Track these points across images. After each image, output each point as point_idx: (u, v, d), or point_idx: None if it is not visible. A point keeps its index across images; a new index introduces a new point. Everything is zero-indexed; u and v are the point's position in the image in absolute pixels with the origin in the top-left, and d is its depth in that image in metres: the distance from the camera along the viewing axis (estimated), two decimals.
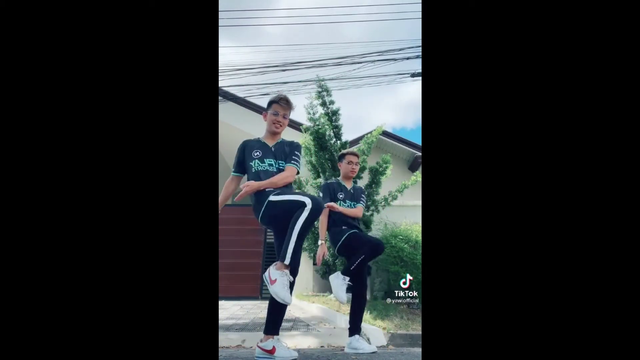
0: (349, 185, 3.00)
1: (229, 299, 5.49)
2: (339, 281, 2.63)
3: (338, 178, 3.07)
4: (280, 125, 2.29)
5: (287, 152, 2.29)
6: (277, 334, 2.16)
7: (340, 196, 2.92)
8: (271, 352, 2.09)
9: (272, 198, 2.08)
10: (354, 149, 5.91)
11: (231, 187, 2.34)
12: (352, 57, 7.06)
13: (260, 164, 2.23)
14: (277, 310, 2.16)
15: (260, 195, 2.14)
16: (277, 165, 2.25)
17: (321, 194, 2.90)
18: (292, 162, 2.26)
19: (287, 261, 1.92)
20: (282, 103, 2.28)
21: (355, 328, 2.71)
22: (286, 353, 2.09)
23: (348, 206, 2.89)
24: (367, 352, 2.55)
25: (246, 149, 2.30)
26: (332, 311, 4.47)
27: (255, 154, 2.26)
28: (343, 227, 2.83)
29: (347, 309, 4.55)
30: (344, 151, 3.05)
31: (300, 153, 2.32)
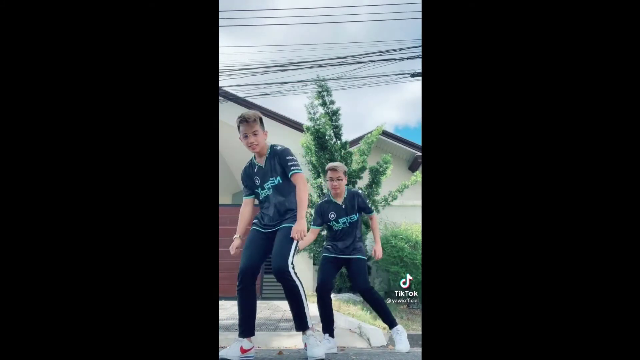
0: (339, 199, 2.85)
1: (229, 299, 5.49)
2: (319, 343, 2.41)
3: (329, 194, 2.92)
4: (256, 144, 2.22)
5: (280, 164, 2.26)
6: (304, 329, 2.21)
7: (332, 216, 2.82)
8: (304, 347, 2.22)
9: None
10: (354, 149, 5.93)
11: (247, 211, 2.40)
12: (352, 57, 7.06)
13: (262, 191, 2.29)
14: (290, 308, 2.24)
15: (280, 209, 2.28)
16: (273, 183, 2.26)
17: (314, 216, 2.91)
18: (293, 170, 2.23)
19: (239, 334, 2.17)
20: (241, 124, 2.20)
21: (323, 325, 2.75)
22: (312, 351, 2.14)
23: (343, 224, 2.80)
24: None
25: (247, 178, 2.36)
26: None
27: (257, 182, 2.30)
28: (327, 246, 2.88)
29: (347, 308, 4.56)
30: (327, 167, 2.96)
31: (292, 155, 2.28)
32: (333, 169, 2.82)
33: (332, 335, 2.71)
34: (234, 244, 2.31)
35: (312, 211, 3.12)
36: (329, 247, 2.85)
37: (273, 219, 2.25)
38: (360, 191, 2.96)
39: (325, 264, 2.82)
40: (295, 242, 2.18)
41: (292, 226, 2.17)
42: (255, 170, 2.30)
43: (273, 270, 2.16)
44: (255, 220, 2.33)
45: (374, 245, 2.94)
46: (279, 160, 2.24)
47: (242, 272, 2.16)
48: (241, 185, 2.39)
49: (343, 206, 2.82)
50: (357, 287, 2.81)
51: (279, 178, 2.24)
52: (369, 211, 2.92)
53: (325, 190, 5.52)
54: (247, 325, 2.15)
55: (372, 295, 2.76)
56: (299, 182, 2.22)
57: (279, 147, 2.29)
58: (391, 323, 2.76)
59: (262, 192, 2.30)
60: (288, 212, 2.24)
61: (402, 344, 2.68)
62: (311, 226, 2.88)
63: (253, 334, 2.18)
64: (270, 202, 2.26)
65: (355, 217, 2.83)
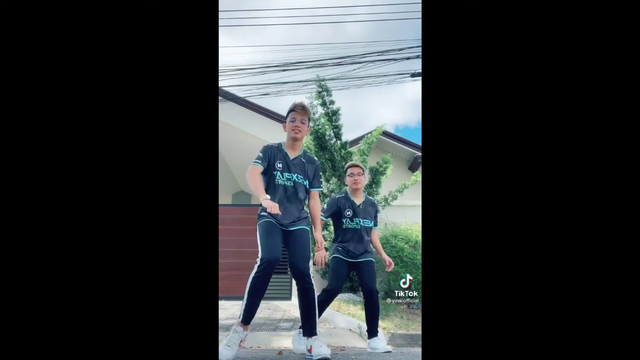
0: (358, 200, 2.84)
1: (229, 299, 5.49)
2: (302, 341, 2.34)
3: (346, 190, 2.92)
4: (300, 131, 2.33)
5: (309, 172, 2.38)
6: (312, 334, 2.21)
7: (348, 213, 2.79)
8: (309, 351, 2.18)
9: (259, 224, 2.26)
10: (354, 149, 5.93)
11: (258, 174, 2.26)
12: (352, 57, 7.05)
13: (281, 178, 2.30)
14: (302, 313, 2.24)
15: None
16: (294, 179, 2.31)
17: (325, 206, 2.87)
18: (319, 187, 2.42)
19: (240, 319, 2.15)
20: (297, 109, 2.34)
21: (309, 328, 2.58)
22: (317, 351, 2.13)
23: (356, 224, 2.79)
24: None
25: (271, 155, 2.33)
26: (331, 311, 4.47)
27: (278, 166, 2.31)
28: (337, 247, 2.79)
29: (347, 308, 4.56)
30: (347, 165, 2.97)
31: (320, 172, 2.44)
32: (356, 165, 2.89)
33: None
34: (270, 202, 2.08)
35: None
36: (340, 248, 2.78)
37: (290, 217, 2.26)
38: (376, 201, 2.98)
39: (340, 267, 2.75)
40: (311, 245, 2.28)
41: (307, 229, 2.29)
42: (282, 155, 2.34)
43: (296, 271, 2.18)
44: (266, 213, 2.24)
45: (379, 257, 2.90)
46: (314, 170, 2.41)
47: (267, 261, 2.08)
48: (259, 157, 2.29)
49: (361, 207, 2.83)
50: (365, 286, 2.75)
51: (299, 177, 2.33)
52: (375, 224, 2.93)
53: (324, 191, 5.52)
54: (252, 314, 2.15)
55: (374, 299, 2.72)
56: (317, 199, 2.41)
57: (315, 159, 2.47)
58: (374, 332, 2.73)
59: (279, 177, 2.28)
60: (303, 213, 2.33)
61: (381, 345, 2.66)
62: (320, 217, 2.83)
63: (249, 322, 2.17)
64: (288, 197, 2.27)
65: (369, 223, 2.83)
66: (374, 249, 2.95)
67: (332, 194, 2.98)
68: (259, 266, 2.12)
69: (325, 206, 2.89)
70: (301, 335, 2.44)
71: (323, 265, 2.19)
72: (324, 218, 2.84)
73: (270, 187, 2.30)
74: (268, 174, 2.31)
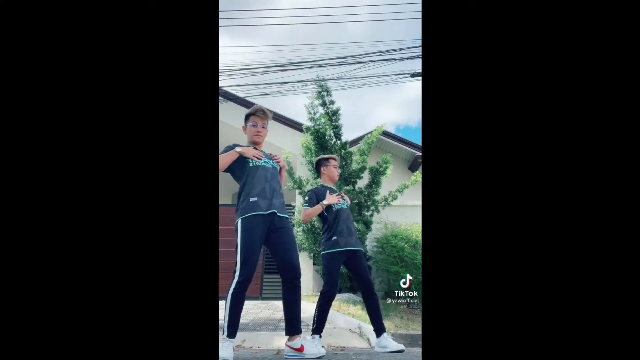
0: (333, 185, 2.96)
1: None
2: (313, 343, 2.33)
3: (320, 182, 2.97)
4: (261, 135, 2.38)
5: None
6: (300, 332, 2.23)
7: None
8: (300, 350, 2.17)
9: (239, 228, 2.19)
10: (354, 149, 5.93)
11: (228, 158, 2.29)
12: (352, 57, 7.06)
13: (258, 160, 2.30)
14: (291, 311, 2.24)
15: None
16: (271, 163, 2.36)
17: (307, 198, 2.81)
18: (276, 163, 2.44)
19: (224, 334, 2.06)
20: (259, 114, 2.37)
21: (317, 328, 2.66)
22: (314, 350, 2.17)
23: (343, 204, 2.81)
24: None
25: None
26: (332, 311, 4.47)
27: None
28: (333, 238, 2.68)
29: (347, 308, 4.56)
30: (327, 155, 2.99)
31: None
32: (334, 158, 2.98)
33: (320, 335, 2.66)
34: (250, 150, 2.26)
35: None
36: (335, 238, 2.66)
37: (278, 200, 2.27)
38: None
39: (336, 262, 2.65)
40: None
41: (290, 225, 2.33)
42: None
43: (290, 269, 2.19)
44: (255, 199, 2.18)
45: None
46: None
47: (247, 279, 2.10)
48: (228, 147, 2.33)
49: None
50: (365, 279, 2.66)
51: (273, 162, 2.38)
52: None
53: None
54: (236, 327, 2.12)
55: (374, 293, 2.67)
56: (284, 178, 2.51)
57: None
58: (382, 329, 2.62)
59: (254, 161, 2.27)
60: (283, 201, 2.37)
61: (393, 344, 2.59)
62: (306, 207, 2.78)
63: (235, 335, 2.15)
64: (268, 180, 2.26)
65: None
66: (366, 246, 2.96)
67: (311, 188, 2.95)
68: (237, 282, 2.07)
69: (307, 197, 2.80)
70: (314, 339, 2.47)
71: (252, 156, 2.24)
72: (308, 207, 2.75)
73: (249, 170, 2.25)
74: (242, 164, 2.27)
